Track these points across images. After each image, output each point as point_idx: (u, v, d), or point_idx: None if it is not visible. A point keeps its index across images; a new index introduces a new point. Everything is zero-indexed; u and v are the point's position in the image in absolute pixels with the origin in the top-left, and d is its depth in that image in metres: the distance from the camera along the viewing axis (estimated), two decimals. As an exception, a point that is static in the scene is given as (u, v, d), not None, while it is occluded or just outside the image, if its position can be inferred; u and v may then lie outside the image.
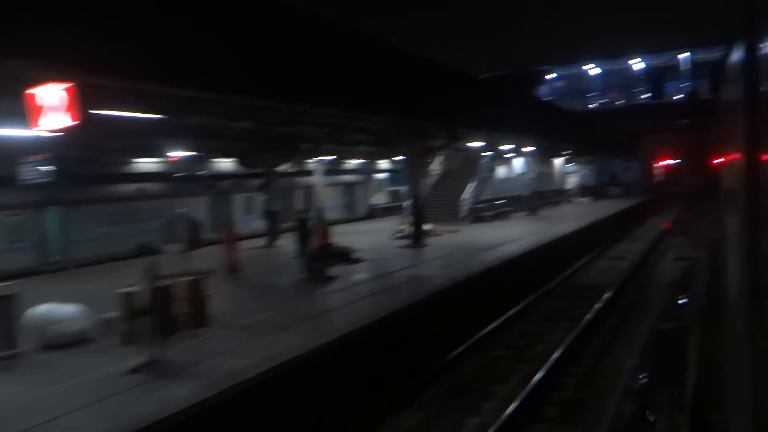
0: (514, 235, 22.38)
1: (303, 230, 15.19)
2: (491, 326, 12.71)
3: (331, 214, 33.54)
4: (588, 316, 12.99)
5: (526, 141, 28.13)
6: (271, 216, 22.58)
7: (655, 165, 73.65)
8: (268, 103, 12.15)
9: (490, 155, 31.66)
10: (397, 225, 24.01)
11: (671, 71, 40.60)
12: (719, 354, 8.49)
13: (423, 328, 11.22)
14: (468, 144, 23.48)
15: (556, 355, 10.44)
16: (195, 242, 17.93)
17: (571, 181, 49.55)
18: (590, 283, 17.33)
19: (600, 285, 16.94)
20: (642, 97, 41.02)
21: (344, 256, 16.79)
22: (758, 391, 2.20)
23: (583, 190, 45.04)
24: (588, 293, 15.88)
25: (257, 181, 24.16)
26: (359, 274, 14.95)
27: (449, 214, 28.55)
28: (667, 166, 78.17)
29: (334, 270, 14.63)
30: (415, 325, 11.11)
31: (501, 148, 27.06)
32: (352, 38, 13.77)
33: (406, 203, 30.73)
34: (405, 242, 20.97)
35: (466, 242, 20.64)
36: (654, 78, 39.23)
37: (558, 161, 44.70)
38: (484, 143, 24.45)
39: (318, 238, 13.81)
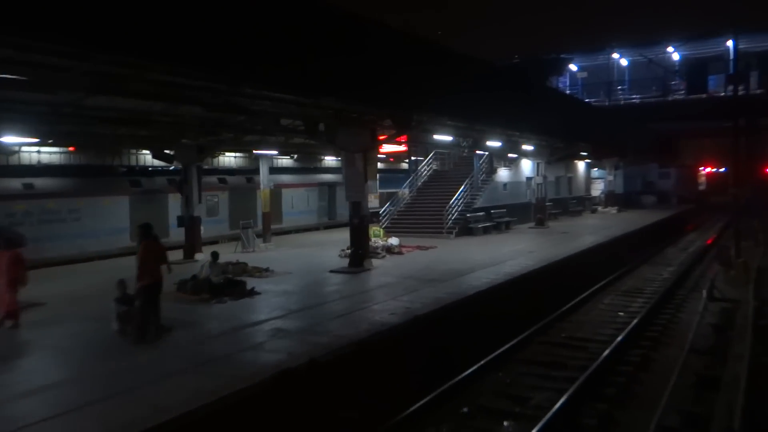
0: (499, 256, 17.26)
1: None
2: None
3: (302, 220, 28.93)
4: (549, 416, 7.84)
5: (523, 136, 22.83)
6: (188, 223, 17.90)
7: (698, 171, 66.88)
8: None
9: (488, 153, 26.44)
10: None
11: (716, 62, 34.32)
12: None
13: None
14: (440, 137, 18.43)
15: None
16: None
17: (598, 188, 43.76)
18: (578, 339, 12.06)
19: (592, 343, 11.71)
20: (679, 93, 34.65)
21: (222, 287, 12.00)
22: None
23: (609, 199, 39.22)
24: (568, 360, 10.68)
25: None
26: (213, 322, 10.15)
27: (434, 224, 23.49)
28: (712, 174, 70.84)
29: (201, 312, 9.86)
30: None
31: (490, 144, 21.79)
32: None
33: (385, 208, 25.93)
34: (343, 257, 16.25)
35: (428, 266, 15.61)
36: (694, 70, 32.90)
37: (581, 165, 39.11)
38: (450, 137, 19.29)
39: (149, 262, 9.01)
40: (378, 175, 34.67)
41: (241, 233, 19.84)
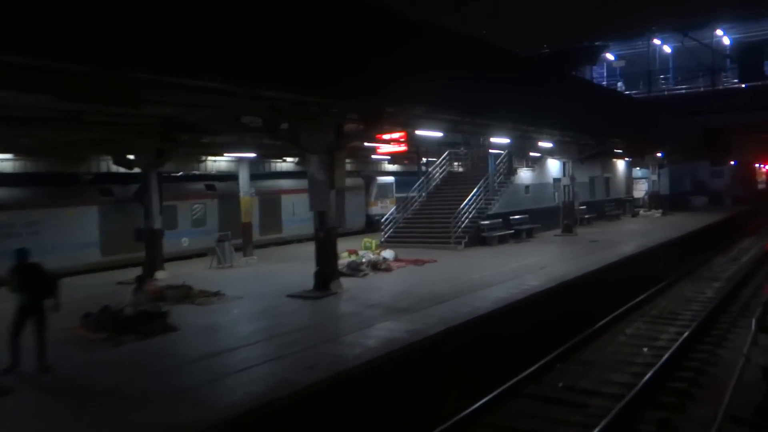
0: (501, 274, 14.62)
1: (25, 280, 8.20)
2: None
3: (305, 228, 26.57)
4: None
5: (542, 132, 19.95)
6: (146, 237, 15.82)
7: (757, 169, 61.67)
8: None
9: (507, 152, 23.61)
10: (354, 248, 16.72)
11: None
12: None
13: None
14: (430, 133, 15.82)
15: None
16: None
17: (641, 189, 40.06)
18: (580, 391, 9.25)
19: (596, 398, 8.92)
20: (731, 82, 30.53)
21: (132, 321, 9.78)
22: None
23: (653, 200, 35.57)
24: (556, 427, 7.95)
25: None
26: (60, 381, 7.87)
27: (442, 234, 20.84)
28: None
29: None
30: None
31: (496, 141, 18.99)
32: None
33: (388, 216, 23.20)
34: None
35: (408, 289, 13.04)
36: (747, 55, 28.82)
37: (620, 164, 35.64)
38: (440, 132, 16.61)
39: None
40: (393, 178, 32.38)
41: (216, 247, 17.70)
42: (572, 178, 24.55)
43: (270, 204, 24.88)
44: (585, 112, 20.74)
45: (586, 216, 28.82)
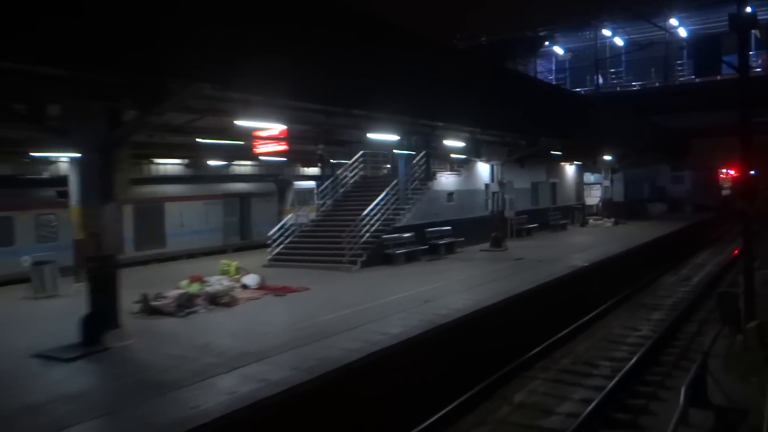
0: (381, 307, 11.11)
1: None
2: None
3: (197, 242, 22.86)
4: None
5: (453, 128, 16.57)
6: None
7: (720, 174, 59.47)
8: None
9: (425, 154, 20.20)
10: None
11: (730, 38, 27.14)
12: None
13: None
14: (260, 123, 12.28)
15: None
16: None
17: (595, 195, 37.00)
18: None
19: None
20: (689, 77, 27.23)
21: None
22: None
23: (607, 208, 32.51)
24: None
25: None
26: None
27: (337, 251, 17.29)
28: (738, 177, 62.80)
29: None
30: None
31: (376, 137, 15.55)
32: None
33: (275, 231, 19.36)
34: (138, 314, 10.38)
35: (216, 340, 9.43)
36: (705, 48, 25.73)
37: (569, 168, 32.54)
38: (283, 124, 13.08)
39: None
40: (315, 183, 28.65)
41: (31, 273, 13.94)
42: (502, 184, 21.22)
43: (150, 214, 21.11)
44: (510, 107, 17.44)
45: (527, 226, 25.58)
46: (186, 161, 22.85)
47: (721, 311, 11.36)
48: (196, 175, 23.59)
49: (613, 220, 31.19)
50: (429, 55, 14.05)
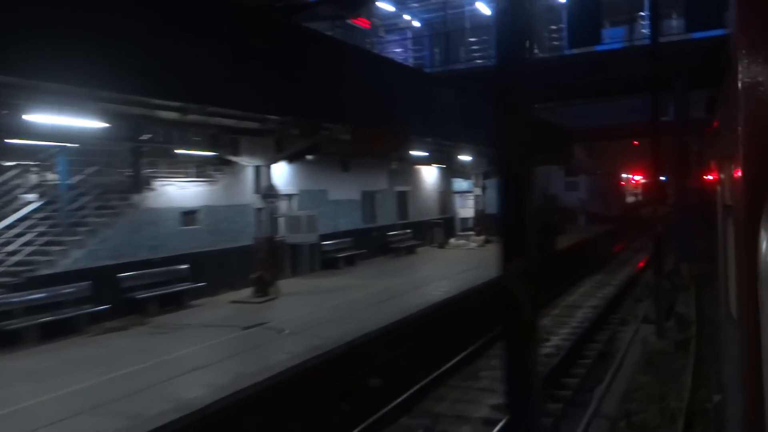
0: None
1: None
2: None
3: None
4: None
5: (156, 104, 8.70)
6: None
7: (622, 180, 54.82)
8: None
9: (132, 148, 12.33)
10: None
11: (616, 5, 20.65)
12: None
13: None
14: None
15: None
16: None
17: (470, 207, 30.25)
18: None
19: None
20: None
21: None
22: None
23: (479, 222, 25.69)
24: None
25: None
26: None
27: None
28: (645, 183, 57.97)
29: None
30: None
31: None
32: None
33: None
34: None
35: None
36: (580, 16, 18.93)
37: (428, 171, 25.61)
38: None
39: None
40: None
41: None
42: (270, 195, 13.61)
43: None
44: (261, 73, 9.90)
45: (346, 254, 18.23)
46: None
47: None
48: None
49: (483, 238, 24.39)
50: None
